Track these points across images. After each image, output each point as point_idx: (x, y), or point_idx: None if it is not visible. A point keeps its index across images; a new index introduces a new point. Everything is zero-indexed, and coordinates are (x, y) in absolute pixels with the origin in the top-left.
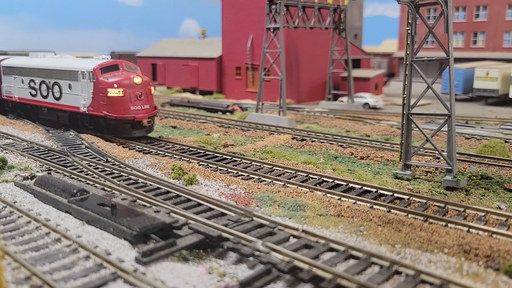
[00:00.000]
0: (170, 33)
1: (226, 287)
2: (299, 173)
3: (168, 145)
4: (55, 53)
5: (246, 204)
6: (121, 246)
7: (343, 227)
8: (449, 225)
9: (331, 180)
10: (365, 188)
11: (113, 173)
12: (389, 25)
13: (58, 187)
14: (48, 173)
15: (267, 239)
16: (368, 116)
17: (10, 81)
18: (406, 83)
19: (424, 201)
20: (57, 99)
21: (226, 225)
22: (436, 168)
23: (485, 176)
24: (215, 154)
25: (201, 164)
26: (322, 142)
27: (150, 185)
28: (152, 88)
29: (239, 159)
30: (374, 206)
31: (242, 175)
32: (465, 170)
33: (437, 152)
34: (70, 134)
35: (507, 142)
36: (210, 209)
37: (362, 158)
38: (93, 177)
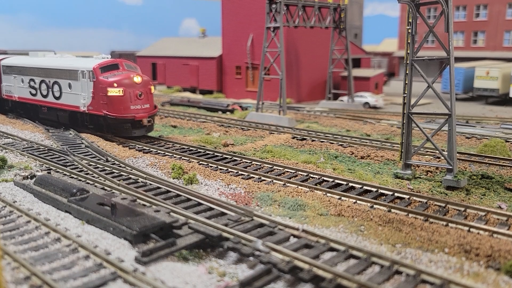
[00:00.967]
0: (170, 33)
1: (226, 287)
2: (299, 172)
3: (168, 144)
4: (55, 52)
5: (246, 204)
6: (121, 246)
7: (344, 227)
8: (450, 224)
9: (331, 180)
10: (365, 187)
11: (113, 172)
12: (389, 25)
13: (58, 186)
14: (48, 172)
15: (267, 238)
16: (369, 115)
17: (10, 81)
18: (406, 82)
19: (425, 200)
20: (57, 98)
21: (226, 225)
22: (437, 168)
23: (485, 176)
24: (215, 154)
25: (201, 164)
26: (322, 142)
27: (150, 184)
28: (152, 87)
29: (239, 159)
30: (375, 206)
31: (242, 174)
32: (465, 170)
33: (437, 151)
34: (70, 134)
35: (508, 141)
36: (210, 209)
37: (362, 157)
38: (93, 176)
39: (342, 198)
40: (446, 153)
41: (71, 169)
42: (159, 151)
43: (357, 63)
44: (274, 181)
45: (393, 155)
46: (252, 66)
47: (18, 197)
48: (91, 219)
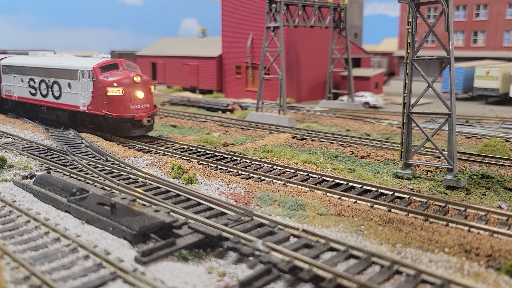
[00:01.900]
0: (170, 32)
1: (226, 286)
2: (299, 172)
3: (168, 144)
4: (55, 52)
5: (246, 204)
6: (121, 246)
7: (344, 227)
8: (450, 224)
9: (331, 179)
10: (365, 187)
11: (113, 172)
12: (389, 24)
13: (57, 186)
14: (48, 172)
15: (267, 238)
16: (368, 115)
17: (10, 80)
18: (406, 82)
19: (425, 200)
20: (57, 98)
21: (226, 225)
22: (437, 167)
23: (485, 175)
24: (215, 153)
25: (201, 163)
26: (322, 141)
27: (150, 184)
28: (152, 87)
29: (239, 158)
30: (375, 206)
31: (242, 174)
32: (465, 169)
33: (437, 151)
34: (70, 133)
35: (508, 141)
36: (210, 209)
37: (362, 157)
38: (93, 176)
39: (342, 198)
40: (446, 152)
41: (71, 168)
42: (159, 151)
43: (357, 63)
44: (274, 180)
45: (393, 154)
46: (252, 65)
47: (17, 197)
48: (91, 219)
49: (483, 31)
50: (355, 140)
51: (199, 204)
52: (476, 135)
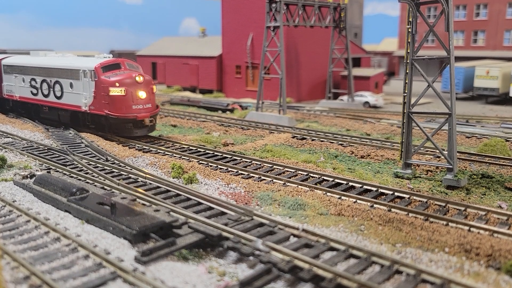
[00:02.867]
0: (170, 32)
1: (226, 286)
2: (299, 172)
3: (168, 144)
4: (56, 52)
5: (246, 203)
6: (121, 245)
7: (344, 226)
8: (450, 224)
9: (331, 179)
10: (365, 187)
11: (113, 172)
12: (389, 24)
13: (57, 186)
14: (48, 172)
15: (267, 238)
16: (369, 115)
17: (11, 80)
18: (406, 81)
19: (425, 200)
20: (59, 98)
21: (226, 224)
22: (437, 167)
23: (485, 175)
24: (215, 153)
25: (201, 163)
26: (322, 141)
27: (150, 184)
28: (154, 87)
29: (239, 158)
30: (375, 205)
31: (242, 174)
32: (465, 169)
33: (437, 151)
34: (70, 133)
35: (508, 141)
36: (210, 208)
37: (362, 157)
38: (93, 176)
39: (342, 197)
40: (446, 152)
41: (71, 168)
42: (159, 151)
43: (357, 63)
44: (274, 180)
45: (393, 154)
46: (252, 65)
47: (17, 197)
48: (91, 219)
49: (483, 30)
50: (355, 139)
51: (199, 203)
52: (476, 135)
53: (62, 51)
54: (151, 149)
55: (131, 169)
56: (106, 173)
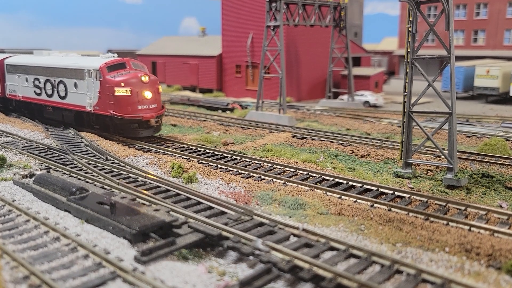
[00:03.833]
0: (170, 31)
1: (226, 286)
2: (299, 171)
3: (168, 143)
4: (60, 51)
5: (246, 203)
6: (121, 245)
7: (344, 226)
8: (450, 223)
9: (331, 179)
10: (365, 186)
11: (113, 171)
12: (390, 23)
13: (57, 185)
14: (47, 171)
15: (267, 238)
16: (369, 114)
17: (14, 80)
18: (407, 81)
19: (425, 199)
20: (63, 98)
21: (226, 224)
22: (437, 167)
23: (486, 175)
24: (215, 152)
25: (201, 163)
26: (322, 140)
27: (150, 183)
28: (160, 86)
29: (239, 158)
30: (375, 205)
31: (242, 173)
32: (466, 169)
33: (438, 150)
34: (70, 132)
35: (508, 140)
36: (210, 208)
37: (362, 156)
38: (93, 175)
39: (342, 197)
40: (447, 152)
41: (71, 168)
42: (158, 150)
43: (357, 62)
44: (274, 180)
45: (394, 154)
46: (252, 64)
47: (17, 196)
48: (91, 218)
49: (483, 30)
50: (355, 139)
51: (199, 203)
52: (477, 134)
53: (65, 51)
54: (151, 148)
55: (131, 169)
56: (106, 173)
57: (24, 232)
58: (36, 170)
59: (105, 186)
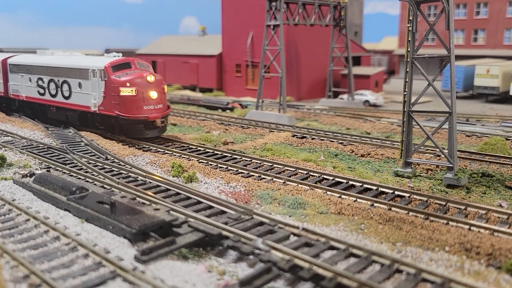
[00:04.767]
0: (170, 31)
1: (226, 285)
2: (299, 170)
3: (167, 142)
4: (63, 51)
5: (246, 202)
6: (121, 244)
7: (344, 225)
8: (450, 223)
9: (331, 178)
10: (365, 186)
11: (113, 170)
12: (390, 23)
13: (57, 184)
14: (47, 170)
15: (267, 237)
16: (369, 113)
17: (17, 80)
18: (407, 80)
19: (425, 199)
20: (67, 98)
21: (226, 223)
22: (437, 166)
23: (486, 174)
24: (215, 152)
25: (201, 162)
26: (322, 140)
27: (150, 182)
28: (165, 86)
29: (239, 157)
30: (375, 204)
31: (242, 172)
32: (466, 168)
33: (438, 149)
34: (70, 132)
35: (508, 139)
36: (210, 207)
37: (362, 155)
38: (93, 174)
39: (342, 196)
40: (447, 151)
41: (71, 167)
42: (158, 149)
43: (357, 61)
44: (274, 179)
45: (393, 153)
46: (252, 64)
47: (17, 195)
48: (91, 218)
49: (483, 29)
50: (355, 138)
51: (199, 202)
52: (477, 134)
53: (69, 50)
54: (151, 148)
55: (131, 168)
56: (106, 172)
57: (24, 231)
58: (36, 169)
59: (105, 186)
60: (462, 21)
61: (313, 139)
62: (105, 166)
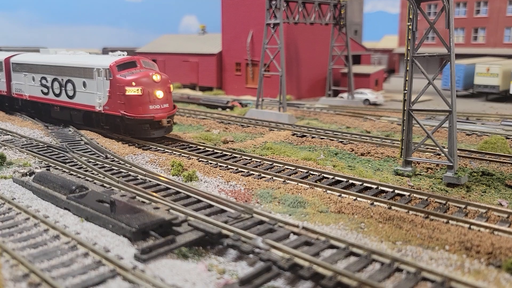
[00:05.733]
0: (170, 29)
1: (226, 284)
2: (299, 169)
3: (167, 141)
4: (67, 49)
5: (246, 201)
6: (120, 243)
7: (344, 224)
8: (450, 222)
9: (331, 177)
10: (365, 184)
11: (112, 169)
12: (390, 21)
13: (57, 183)
14: (47, 169)
15: (267, 236)
16: (369, 112)
17: (20, 79)
18: (407, 79)
19: (425, 197)
20: (71, 97)
21: (225, 222)
22: (437, 165)
23: (486, 173)
24: (215, 151)
25: (201, 161)
26: (322, 139)
27: (150, 181)
28: (171, 86)
29: (239, 156)
30: (375, 203)
31: (242, 171)
32: (466, 167)
33: (438, 148)
34: (69, 130)
35: (508, 138)
36: (210, 206)
37: (362, 154)
38: (92, 173)
39: (342, 195)
40: (447, 150)
41: (70, 166)
42: (158, 148)
43: (357, 60)
44: (274, 178)
45: (393, 152)
46: (252, 62)
47: (17, 194)
48: (90, 216)
49: (484, 28)
50: (355, 137)
51: (199, 201)
52: (477, 132)
53: (73, 49)
54: (150, 146)
55: (130, 167)
56: (105, 171)
57: (24, 230)
58: (36, 168)
59: (105, 184)
60: (462, 20)
61: (313, 137)
62: (105, 164)
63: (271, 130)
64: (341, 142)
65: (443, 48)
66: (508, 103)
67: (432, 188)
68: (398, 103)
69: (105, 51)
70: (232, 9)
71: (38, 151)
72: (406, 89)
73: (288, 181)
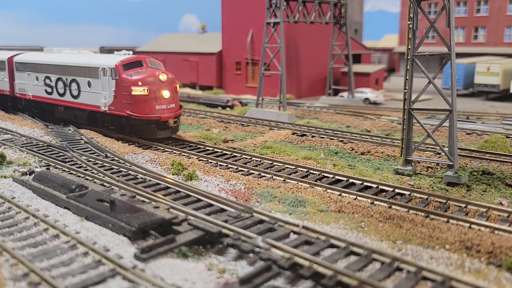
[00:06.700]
0: (170, 28)
1: (226, 283)
2: (299, 168)
3: (167, 140)
4: (71, 49)
5: (246, 200)
6: (120, 243)
7: (344, 223)
8: (451, 221)
9: (331, 176)
10: (365, 183)
11: (112, 168)
12: (390, 20)
13: (56, 182)
14: (47, 168)
15: (267, 235)
16: (369, 111)
17: (24, 78)
18: (407, 78)
19: (425, 197)
20: (75, 97)
21: (226, 221)
22: (437, 164)
23: (486, 172)
24: (215, 150)
25: (201, 160)
26: (322, 138)
27: (150, 180)
28: (178, 85)
29: (239, 155)
30: (375, 202)
31: (242, 170)
32: (466, 166)
33: (438, 147)
34: (69, 130)
35: (508, 137)
36: (210, 205)
37: (362, 153)
38: (92, 172)
39: (343, 194)
40: (447, 149)
41: (70, 165)
42: (158, 147)
43: (357, 59)
44: (274, 177)
45: (394, 151)
46: (252, 61)
47: (16, 193)
48: (90, 216)
49: (484, 27)
50: (356, 136)
51: (199, 200)
52: (477, 132)
53: (76, 48)
54: (150, 145)
55: (130, 166)
56: (105, 170)
57: (24, 229)
58: (36, 167)
59: (105, 184)
60: (462, 19)
61: (313, 137)
62: (105, 164)
63: (271, 129)
64: (341, 141)
65: (444, 47)
66: (509, 102)
67: (432, 187)
68: (398, 102)
69: (103, 50)
70: (232, 8)
71: (38, 150)
72: (407, 88)
73: (288, 180)
